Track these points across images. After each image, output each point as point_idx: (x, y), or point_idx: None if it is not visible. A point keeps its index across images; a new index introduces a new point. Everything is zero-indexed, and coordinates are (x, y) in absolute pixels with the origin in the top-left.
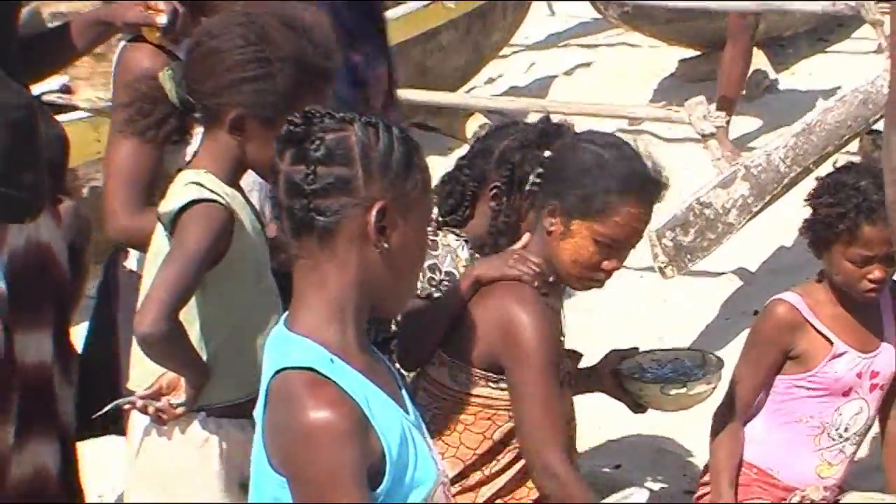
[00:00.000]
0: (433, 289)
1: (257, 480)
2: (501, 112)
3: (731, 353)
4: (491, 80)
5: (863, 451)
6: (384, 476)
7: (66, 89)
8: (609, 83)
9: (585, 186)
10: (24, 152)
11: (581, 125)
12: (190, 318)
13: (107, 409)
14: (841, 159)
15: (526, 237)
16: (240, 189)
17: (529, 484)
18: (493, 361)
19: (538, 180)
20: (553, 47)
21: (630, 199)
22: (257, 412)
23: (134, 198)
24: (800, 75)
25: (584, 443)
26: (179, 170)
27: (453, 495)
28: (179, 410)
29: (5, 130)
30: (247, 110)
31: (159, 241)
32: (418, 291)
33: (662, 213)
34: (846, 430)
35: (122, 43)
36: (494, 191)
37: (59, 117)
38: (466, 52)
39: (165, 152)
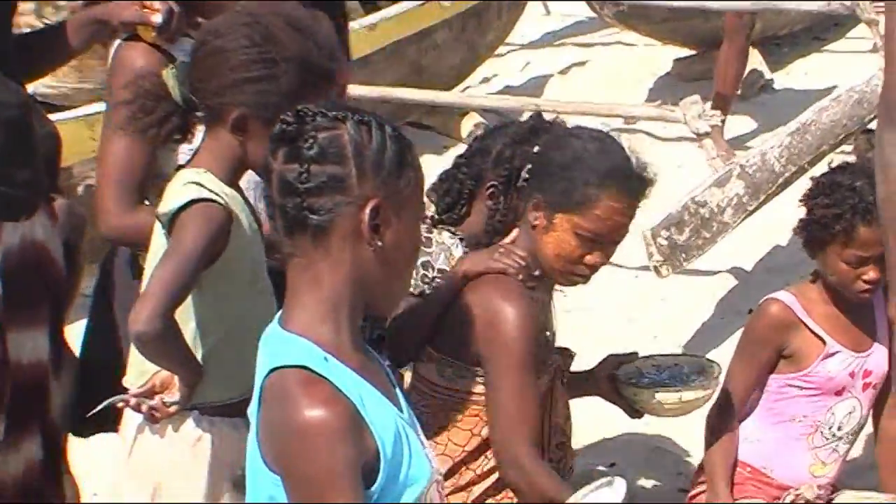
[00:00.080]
0: (426, 286)
1: (252, 479)
2: (497, 111)
3: (725, 352)
4: (486, 80)
5: (856, 450)
6: (378, 474)
7: None
8: (604, 82)
9: (566, 179)
10: (20, 150)
11: (576, 124)
12: (185, 316)
13: (100, 406)
14: (836, 159)
15: (515, 232)
16: (239, 189)
17: None
18: (478, 354)
19: (527, 176)
20: (548, 46)
21: (610, 192)
22: (251, 410)
23: (126, 196)
24: (795, 75)
25: (578, 441)
26: (181, 167)
27: (446, 495)
28: (173, 409)
29: (1, 128)
30: (250, 110)
31: (158, 240)
32: (411, 289)
33: (657, 212)
34: (839, 429)
35: (118, 42)
36: (491, 190)
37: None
38: (461, 51)
39: (159, 151)
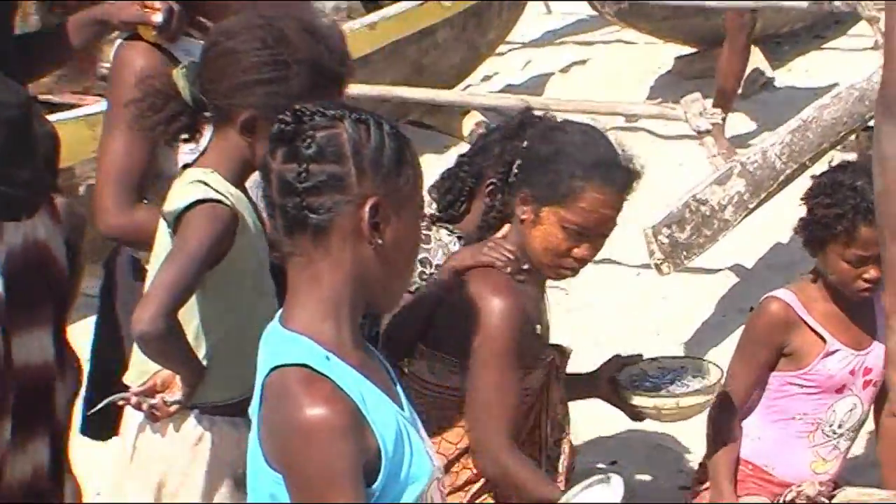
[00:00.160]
0: (424, 283)
1: (253, 478)
2: (498, 110)
3: (726, 350)
4: (487, 78)
5: (857, 447)
6: (379, 473)
7: None
8: (605, 80)
9: (552, 172)
10: (20, 150)
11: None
12: (188, 316)
13: (100, 405)
14: (837, 156)
15: (505, 227)
16: (245, 190)
17: None
18: (465, 348)
19: (517, 171)
20: (549, 45)
21: (594, 184)
22: (253, 409)
23: (124, 195)
24: (796, 72)
25: (579, 439)
26: (187, 165)
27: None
28: (173, 408)
29: (2, 128)
30: (259, 112)
31: (163, 240)
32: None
33: (658, 209)
34: (840, 426)
35: (119, 41)
36: (490, 187)
37: (57, 115)
38: (462, 50)
39: (159, 150)
